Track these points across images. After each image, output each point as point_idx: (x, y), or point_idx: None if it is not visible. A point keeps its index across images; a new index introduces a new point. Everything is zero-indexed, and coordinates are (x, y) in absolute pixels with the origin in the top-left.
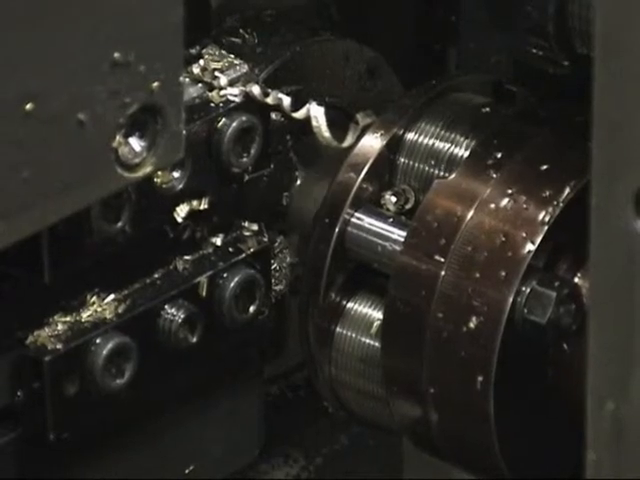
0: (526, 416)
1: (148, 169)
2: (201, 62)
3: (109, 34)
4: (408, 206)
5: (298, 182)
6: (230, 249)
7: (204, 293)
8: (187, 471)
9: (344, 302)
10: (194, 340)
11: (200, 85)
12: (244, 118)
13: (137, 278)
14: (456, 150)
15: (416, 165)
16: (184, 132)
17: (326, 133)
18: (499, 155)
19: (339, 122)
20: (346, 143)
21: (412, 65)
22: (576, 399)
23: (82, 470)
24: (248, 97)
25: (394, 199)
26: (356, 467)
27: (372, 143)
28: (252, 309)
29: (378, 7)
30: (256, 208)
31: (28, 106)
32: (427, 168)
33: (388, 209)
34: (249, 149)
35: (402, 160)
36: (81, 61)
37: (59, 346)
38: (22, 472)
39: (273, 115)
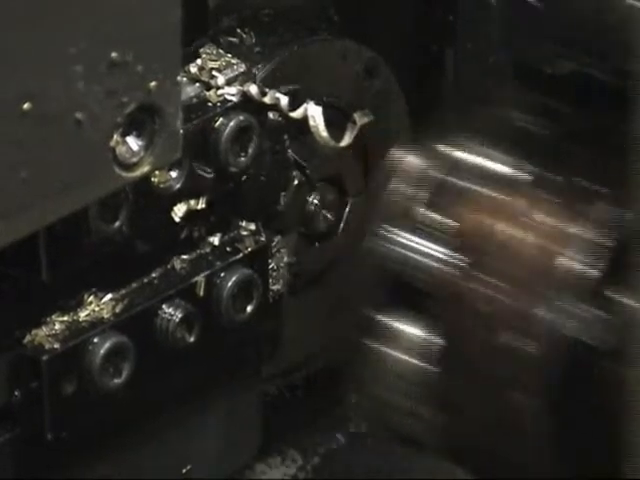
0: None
1: (146, 168)
2: (198, 61)
3: (107, 34)
4: (444, 221)
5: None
6: (227, 249)
7: (201, 292)
8: (184, 471)
9: (384, 318)
10: (191, 340)
11: (198, 84)
12: (242, 117)
13: (134, 277)
14: (494, 165)
15: (452, 180)
16: (181, 131)
17: (323, 133)
18: (538, 171)
19: (336, 121)
20: (344, 142)
21: (410, 65)
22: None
23: (79, 470)
24: (245, 96)
25: (430, 213)
26: (354, 467)
27: (415, 159)
28: (249, 309)
29: (376, 7)
30: (253, 207)
31: (26, 106)
32: (463, 182)
33: (425, 224)
34: (247, 148)
35: (439, 176)
36: (79, 61)
37: (57, 345)
38: (20, 472)
39: (270, 114)
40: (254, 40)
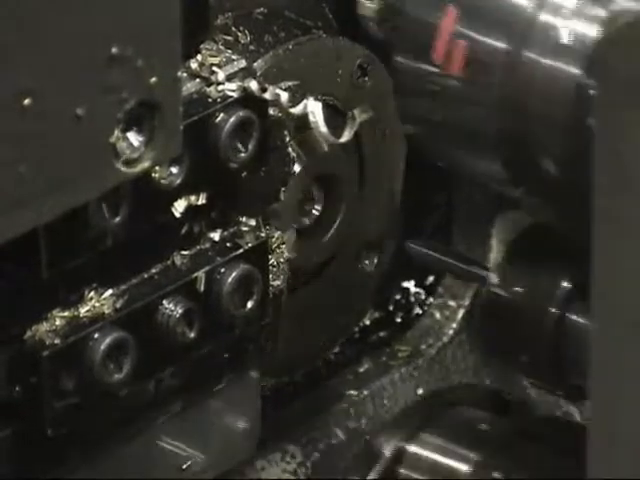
0: None
1: (146, 164)
2: (199, 57)
3: (107, 29)
4: None
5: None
6: (228, 244)
7: (202, 288)
8: (184, 467)
9: None
10: (192, 335)
11: (198, 80)
12: (242, 113)
13: (135, 273)
14: (457, 465)
15: (418, 478)
16: (182, 127)
17: (323, 128)
18: (497, 475)
19: (332, 120)
20: (343, 138)
21: None
22: None
23: (79, 466)
24: (246, 92)
25: None
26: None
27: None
28: (250, 304)
29: None
30: (254, 203)
31: (26, 101)
32: None
33: None
34: (247, 144)
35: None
36: (78, 56)
37: (57, 341)
38: (19, 468)
39: (271, 110)
40: (249, 38)
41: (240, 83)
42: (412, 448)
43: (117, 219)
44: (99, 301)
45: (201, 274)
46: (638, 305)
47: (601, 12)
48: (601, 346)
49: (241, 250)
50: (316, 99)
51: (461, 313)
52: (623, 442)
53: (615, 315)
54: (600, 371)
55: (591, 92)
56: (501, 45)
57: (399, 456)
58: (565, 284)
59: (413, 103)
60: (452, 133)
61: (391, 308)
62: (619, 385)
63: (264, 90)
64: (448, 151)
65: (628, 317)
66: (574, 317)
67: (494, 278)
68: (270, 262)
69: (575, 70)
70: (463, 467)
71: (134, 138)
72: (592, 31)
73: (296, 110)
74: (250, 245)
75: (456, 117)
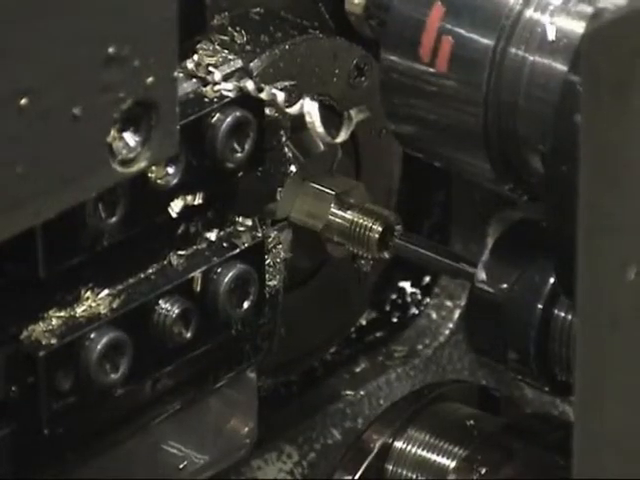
0: None
1: (142, 164)
2: (195, 57)
3: (104, 29)
4: None
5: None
6: (224, 244)
7: (198, 288)
8: (181, 466)
9: None
10: (188, 335)
11: (194, 80)
12: (238, 113)
13: (131, 273)
14: (444, 461)
15: (404, 473)
16: (178, 127)
17: (320, 128)
18: (483, 471)
19: (329, 120)
20: (340, 139)
21: None
22: None
23: (76, 466)
24: (242, 92)
25: None
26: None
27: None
28: (246, 304)
29: None
30: (250, 203)
31: (22, 101)
32: (415, 477)
33: None
34: (243, 144)
35: (390, 468)
36: (75, 55)
37: (53, 341)
38: (16, 468)
39: (267, 111)
40: (245, 39)
41: (236, 83)
42: (398, 444)
43: (113, 219)
44: (95, 301)
45: (197, 274)
46: (622, 302)
47: (587, 9)
48: (585, 343)
49: (237, 250)
50: (312, 99)
51: (457, 313)
52: (608, 441)
53: (600, 312)
54: (584, 368)
55: (578, 89)
56: (488, 42)
57: (385, 452)
58: (552, 280)
59: (399, 100)
60: (438, 130)
61: (387, 308)
62: (603, 382)
63: (260, 90)
64: (434, 148)
65: (612, 314)
66: (562, 313)
67: (482, 275)
68: (266, 262)
69: (562, 67)
70: (449, 463)
71: (130, 138)
72: (578, 28)
73: (292, 110)
74: (246, 245)
75: (442, 114)
